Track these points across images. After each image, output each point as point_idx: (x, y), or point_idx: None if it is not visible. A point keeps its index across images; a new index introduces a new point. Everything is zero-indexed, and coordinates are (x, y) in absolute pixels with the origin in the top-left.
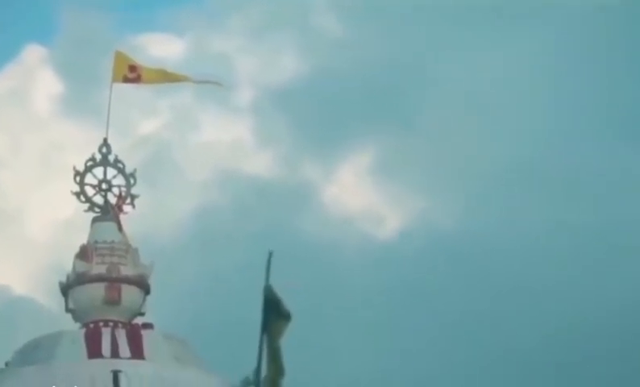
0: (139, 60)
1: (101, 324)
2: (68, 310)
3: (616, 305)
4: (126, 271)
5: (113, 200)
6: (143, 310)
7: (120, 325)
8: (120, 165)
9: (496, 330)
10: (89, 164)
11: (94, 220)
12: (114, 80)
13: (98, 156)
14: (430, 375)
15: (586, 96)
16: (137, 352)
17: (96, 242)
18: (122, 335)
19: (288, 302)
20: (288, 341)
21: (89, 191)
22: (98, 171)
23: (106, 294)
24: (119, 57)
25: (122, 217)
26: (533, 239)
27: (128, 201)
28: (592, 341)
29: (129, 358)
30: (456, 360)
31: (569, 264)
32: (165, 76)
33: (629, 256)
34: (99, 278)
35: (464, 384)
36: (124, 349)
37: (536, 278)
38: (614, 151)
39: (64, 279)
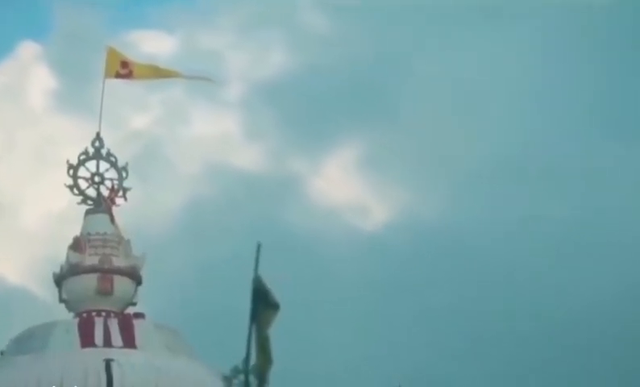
0: (130, 56)
1: (93, 314)
2: (61, 300)
3: (596, 295)
4: (119, 262)
5: (105, 193)
6: (134, 300)
7: (112, 315)
8: (112, 159)
9: (479, 320)
10: (83, 157)
11: (87, 212)
12: (107, 76)
13: (91, 150)
14: (415, 364)
15: (567, 94)
16: (129, 341)
17: (89, 234)
18: (114, 325)
19: (277, 293)
20: (276, 330)
21: (83, 184)
22: (91, 164)
23: (99, 285)
24: (112, 54)
25: (114, 209)
26: (515, 231)
27: (120, 193)
28: (573, 330)
29: (121, 347)
30: (441, 349)
31: (550, 256)
32: (156, 72)
33: (609, 249)
34: (92, 269)
35: (449, 373)
36: (116, 338)
37: (518, 269)
38: (593, 148)
39: (57, 270)
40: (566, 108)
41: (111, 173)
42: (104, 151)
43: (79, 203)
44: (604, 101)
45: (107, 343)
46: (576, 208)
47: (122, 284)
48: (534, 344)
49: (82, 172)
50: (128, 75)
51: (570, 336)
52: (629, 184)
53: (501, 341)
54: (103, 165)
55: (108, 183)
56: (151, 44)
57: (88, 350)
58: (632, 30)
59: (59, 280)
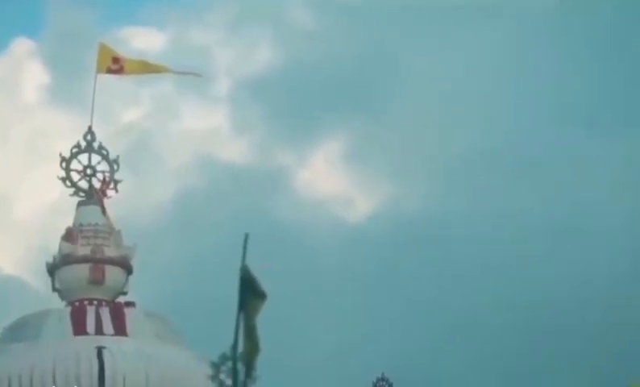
0: (121, 52)
1: (85, 302)
2: (54, 289)
3: (574, 284)
4: (110, 252)
5: (97, 185)
6: (125, 289)
7: (104, 303)
8: (104, 152)
9: (461, 309)
10: (75, 150)
11: (79, 204)
12: (98, 71)
13: (83, 143)
14: (398, 352)
15: (544, 89)
16: (120, 329)
17: (81, 224)
18: (105, 313)
19: (264, 282)
20: (263, 319)
21: (75, 176)
22: (83, 157)
23: (91, 274)
24: (103, 49)
25: (105, 201)
26: (495, 221)
27: (111, 185)
28: (551, 317)
29: (112, 335)
30: (423, 338)
31: (529, 247)
32: (147, 68)
33: (586, 240)
34: (84, 259)
35: (432, 361)
36: (108, 326)
37: (498, 258)
38: (571, 140)
39: (50, 260)
40: (543, 102)
41: (103, 166)
42: (96, 145)
43: (71, 195)
44: (582, 97)
45: (99, 331)
46: (554, 200)
47: (113, 273)
48: (515, 332)
49: (74, 164)
50: (119, 70)
51: (549, 323)
52: (606, 177)
53: (483, 330)
54: (95, 158)
55: (100, 175)
56: (142, 41)
57: (80, 338)
58: (610, 28)
59: (52, 269)
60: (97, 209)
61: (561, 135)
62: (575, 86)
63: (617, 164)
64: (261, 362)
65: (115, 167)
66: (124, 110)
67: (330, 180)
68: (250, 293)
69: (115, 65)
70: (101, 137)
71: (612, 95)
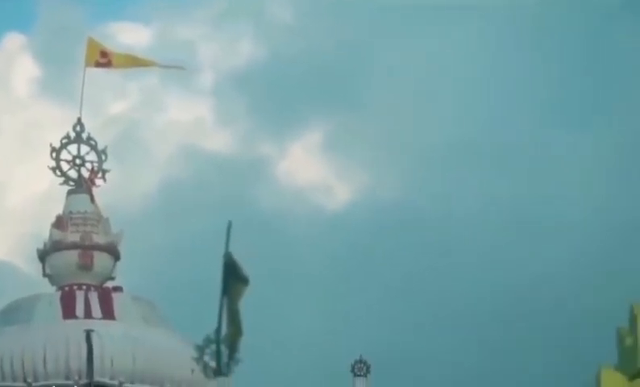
0: (109, 46)
1: (75, 287)
2: (45, 274)
3: (544, 270)
4: (98, 239)
5: (86, 174)
6: (113, 275)
7: (92, 288)
8: (92, 142)
9: (435, 292)
10: (64, 141)
11: (69, 192)
12: (87, 65)
13: (73, 134)
14: (376, 335)
15: (516, 82)
16: (108, 313)
17: (70, 212)
18: (94, 298)
19: (246, 267)
20: (246, 303)
21: (64, 166)
22: (73, 148)
23: (80, 260)
24: (92, 44)
25: (94, 190)
26: (468, 210)
27: (100, 175)
28: (523, 300)
29: (101, 318)
30: (400, 318)
31: (501, 234)
32: (134, 62)
33: (556, 229)
34: (73, 245)
35: (409, 343)
36: (96, 310)
37: (472, 244)
38: (542, 133)
39: (41, 246)
40: (515, 95)
41: (91, 156)
42: (85, 136)
43: (61, 184)
44: (553, 91)
45: (88, 314)
46: (526, 189)
47: (101, 259)
48: (489, 315)
49: (64, 155)
50: (107, 64)
51: (521, 307)
52: (576, 168)
53: (458, 313)
54: (84, 148)
55: (88, 165)
56: (129, 35)
57: (69, 321)
58: (580, 21)
59: (42, 255)
60: (86, 197)
61: (532, 126)
62: (546, 79)
63: (586, 155)
64: (244, 344)
65: (103, 157)
66: (112, 102)
67: (309, 169)
68: (233, 278)
69: (103, 59)
70: (89, 128)
71: (581, 90)
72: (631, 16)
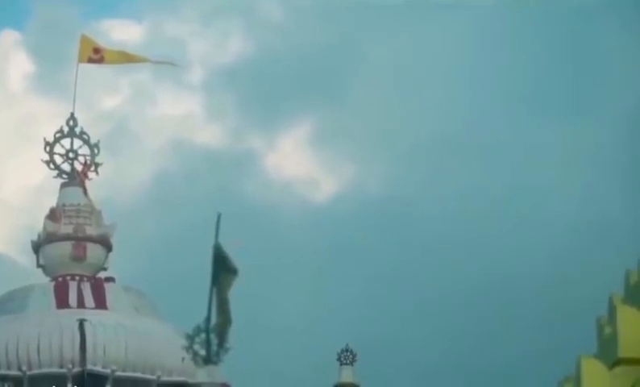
0: (102, 43)
1: (68, 278)
2: (39, 265)
3: (527, 260)
4: (91, 231)
5: (79, 167)
6: (105, 266)
7: (85, 279)
8: (85, 136)
9: (419, 283)
10: (58, 135)
11: (62, 185)
12: (80, 61)
13: (66, 129)
14: (362, 323)
15: (498, 77)
16: (100, 303)
17: (64, 205)
18: (87, 288)
19: (235, 258)
20: (235, 293)
21: (58, 159)
22: (66, 142)
23: (73, 251)
24: (84, 40)
25: (87, 182)
26: (451, 202)
27: (92, 168)
28: (505, 291)
29: (93, 308)
30: (386, 308)
31: (483, 224)
32: (126, 58)
33: (538, 219)
34: (67, 237)
35: (393, 332)
36: (89, 300)
37: (455, 235)
38: (522, 126)
39: (35, 238)
40: (496, 89)
41: (84, 150)
42: (78, 130)
43: (55, 177)
44: (535, 86)
45: (80, 304)
46: (507, 181)
47: (94, 250)
48: (473, 305)
49: (58, 148)
50: (100, 60)
51: (503, 297)
52: (557, 160)
53: (441, 302)
54: (77, 142)
55: (81, 159)
56: (121, 32)
57: (63, 311)
58: (563, 19)
59: (37, 247)
60: (79, 190)
61: (511, 120)
62: (528, 74)
63: (567, 150)
64: (233, 333)
65: (96, 151)
66: (104, 97)
67: (297, 162)
68: (222, 268)
69: (96, 55)
70: (82, 123)
71: (563, 84)
72: (611, 11)
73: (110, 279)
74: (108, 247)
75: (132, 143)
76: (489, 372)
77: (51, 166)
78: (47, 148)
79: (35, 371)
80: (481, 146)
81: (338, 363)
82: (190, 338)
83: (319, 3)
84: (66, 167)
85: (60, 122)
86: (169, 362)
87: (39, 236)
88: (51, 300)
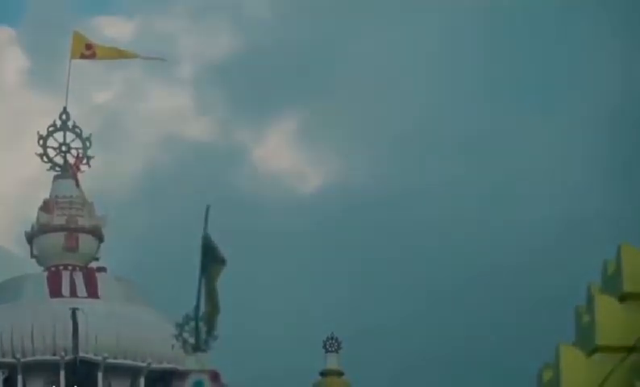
0: (94, 39)
1: (61, 268)
2: (32, 255)
3: (507, 251)
4: (83, 222)
5: (71, 160)
6: (97, 256)
7: (78, 269)
8: (78, 130)
9: (403, 272)
10: (51, 129)
11: (55, 178)
12: (73, 56)
13: (59, 123)
14: (348, 312)
15: (475, 70)
16: (92, 292)
17: (57, 197)
18: (79, 278)
19: (223, 249)
20: (223, 283)
21: (51, 153)
22: (59, 135)
23: (66, 242)
24: (77, 37)
25: (79, 175)
26: (434, 191)
27: (85, 161)
28: (486, 280)
29: (85, 297)
30: (370, 296)
31: (466, 212)
32: (117, 53)
33: (519, 210)
34: (60, 228)
35: (379, 320)
36: (81, 289)
37: (438, 224)
38: (505, 119)
39: (29, 229)
40: (474, 82)
41: (77, 143)
42: (70, 124)
43: (48, 170)
44: (516, 78)
45: (73, 293)
46: (489, 171)
47: (86, 241)
48: (456, 294)
49: (51, 142)
50: (92, 56)
51: (485, 286)
52: (538, 153)
53: (424, 290)
54: (69, 136)
55: (74, 152)
56: (113, 29)
57: (56, 300)
58: (545, 10)
59: (30, 238)
60: (72, 182)
61: (488, 112)
62: (510, 66)
63: (549, 141)
64: (221, 321)
65: (88, 144)
66: (96, 92)
67: (284, 155)
68: (211, 259)
69: (88, 51)
70: (75, 117)
71: (543, 77)
72: (594, 2)
73: (101, 269)
74: (100, 238)
75: (123, 137)
76: (472, 359)
77: (45, 159)
78: (41, 142)
79: (29, 358)
80: (463, 137)
81: (323, 350)
82: (180, 326)
83: (305, 1)
84: (59, 160)
85: (53, 117)
86: (159, 349)
87: (32, 227)
88: (45, 289)
